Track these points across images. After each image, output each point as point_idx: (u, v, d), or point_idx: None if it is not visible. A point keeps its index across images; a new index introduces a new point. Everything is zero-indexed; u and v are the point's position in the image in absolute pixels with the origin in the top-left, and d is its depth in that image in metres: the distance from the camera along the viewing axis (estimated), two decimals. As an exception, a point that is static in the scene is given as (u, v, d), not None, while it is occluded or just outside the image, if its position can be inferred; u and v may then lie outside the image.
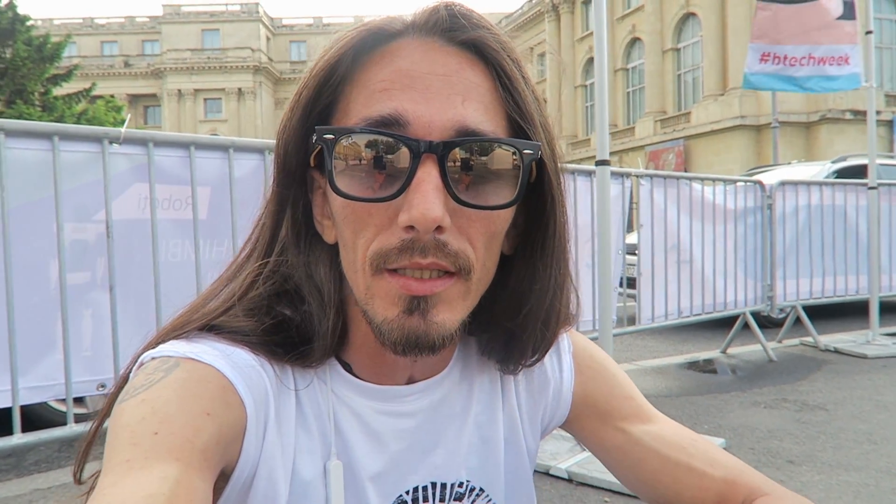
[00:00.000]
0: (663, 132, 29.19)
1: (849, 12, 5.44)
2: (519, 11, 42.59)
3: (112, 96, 31.80)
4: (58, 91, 20.25)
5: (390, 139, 0.59)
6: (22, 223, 2.40)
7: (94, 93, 22.68)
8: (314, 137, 0.62)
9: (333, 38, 0.65)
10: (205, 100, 52.03)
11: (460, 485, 0.75)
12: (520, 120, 0.63)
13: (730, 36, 25.49)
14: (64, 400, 2.59)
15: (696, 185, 5.08)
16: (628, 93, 33.38)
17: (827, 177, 7.32)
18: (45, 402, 3.44)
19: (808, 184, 5.92)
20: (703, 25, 27.10)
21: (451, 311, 0.62)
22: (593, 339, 3.43)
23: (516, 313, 0.70)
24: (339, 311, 0.68)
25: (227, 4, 53.33)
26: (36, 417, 3.47)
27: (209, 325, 0.65)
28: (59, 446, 3.64)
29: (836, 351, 5.62)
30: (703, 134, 26.50)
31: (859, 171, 7.63)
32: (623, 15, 31.82)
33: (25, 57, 17.99)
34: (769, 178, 6.37)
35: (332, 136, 0.60)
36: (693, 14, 28.15)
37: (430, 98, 0.60)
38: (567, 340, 0.84)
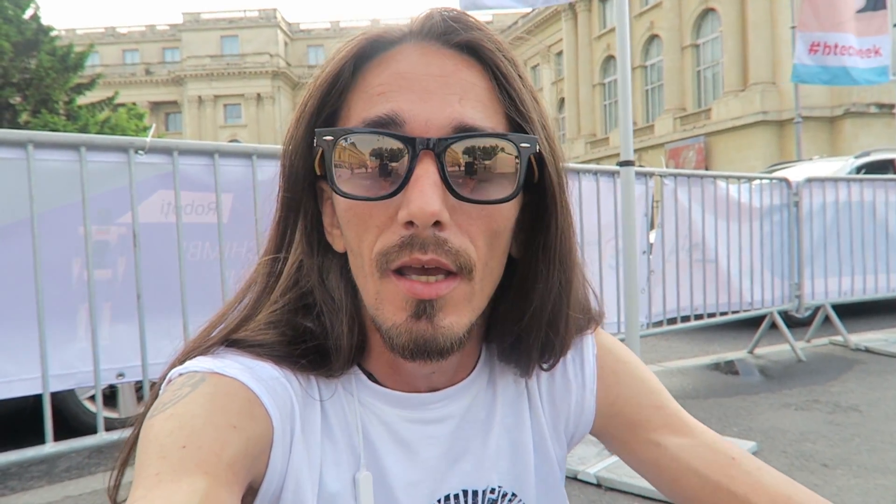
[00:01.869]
0: (683, 129, 28.92)
1: (876, 3, 5.32)
2: (535, 10, 42.45)
3: (134, 104, 32.19)
4: (81, 100, 20.53)
5: (388, 138, 0.60)
6: (48, 226, 2.50)
7: (117, 101, 22.98)
8: (315, 141, 0.63)
9: (335, 49, 0.67)
10: (224, 105, 52.57)
11: (492, 490, 0.74)
12: (517, 118, 0.64)
13: (750, 31, 25.19)
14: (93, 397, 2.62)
15: (721, 184, 5.01)
16: (647, 90, 33.13)
17: (850, 172, 7.16)
18: (80, 402, 3.65)
19: (836, 180, 5.81)
20: (723, 20, 26.81)
21: (458, 314, 0.62)
22: (621, 339, 3.40)
23: (521, 315, 0.70)
24: (355, 319, 0.68)
25: (245, 11, 53.88)
26: (71, 416, 3.58)
27: (232, 340, 0.66)
28: (89, 453, 3.69)
29: (868, 350, 5.51)
30: (723, 130, 26.22)
31: (884, 166, 7.48)
32: (641, 12, 31.57)
33: (49, 67, 18.27)
34: (792, 174, 6.26)
35: (330, 138, 0.61)
36: (712, 9, 27.86)
37: (428, 98, 0.61)
38: (591, 342, 0.82)
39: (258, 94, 52.09)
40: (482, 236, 0.62)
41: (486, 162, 0.61)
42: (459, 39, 0.64)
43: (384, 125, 0.60)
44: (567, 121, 39.13)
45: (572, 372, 0.80)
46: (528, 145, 0.61)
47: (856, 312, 6.61)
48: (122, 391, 3.89)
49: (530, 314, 0.69)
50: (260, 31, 53.43)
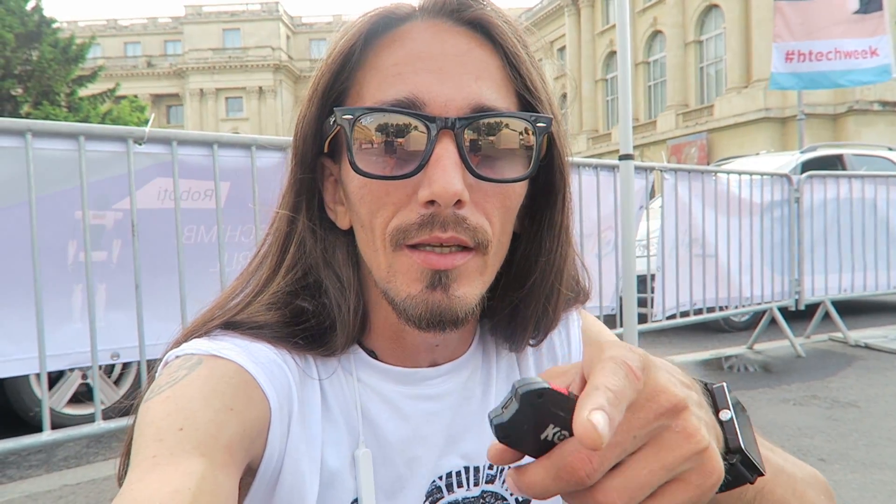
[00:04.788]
0: (685, 126, 28.86)
1: (872, 4, 5.33)
2: (539, 6, 42.34)
3: (136, 96, 32.23)
4: (83, 92, 20.52)
5: (408, 118, 0.60)
6: (45, 210, 2.50)
7: (119, 93, 22.96)
8: (332, 120, 0.63)
9: (344, 27, 0.66)
10: (226, 99, 52.53)
11: (490, 466, 0.75)
12: (528, 97, 0.65)
13: (753, 27, 25.12)
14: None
15: (722, 178, 5.00)
16: (649, 86, 33.05)
17: (794, 167, 7.02)
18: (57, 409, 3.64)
19: (837, 176, 5.80)
20: (726, 17, 26.73)
21: (471, 285, 0.63)
22: (618, 335, 3.40)
23: (521, 287, 0.71)
24: (359, 295, 0.69)
25: (247, 4, 53.73)
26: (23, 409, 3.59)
27: (230, 322, 0.66)
28: (87, 442, 3.70)
29: (867, 347, 5.51)
30: (726, 127, 26.16)
31: (831, 162, 7.45)
32: (644, 8, 31.48)
33: (51, 59, 18.25)
34: (735, 168, 6.21)
35: (350, 117, 0.61)
36: (716, 6, 27.77)
37: (444, 79, 0.61)
38: (576, 316, 0.84)
39: (260, 88, 52.04)
40: (497, 213, 0.63)
41: (503, 141, 0.62)
42: (470, 16, 0.64)
43: (404, 107, 0.60)
44: (569, 116, 38.95)
45: (559, 345, 0.82)
46: (543, 125, 0.62)
47: (854, 310, 6.60)
48: (99, 383, 3.91)
49: (530, 286, 0.70)
50: (262, 24, 53.33)
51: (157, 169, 2.76)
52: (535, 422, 0.39)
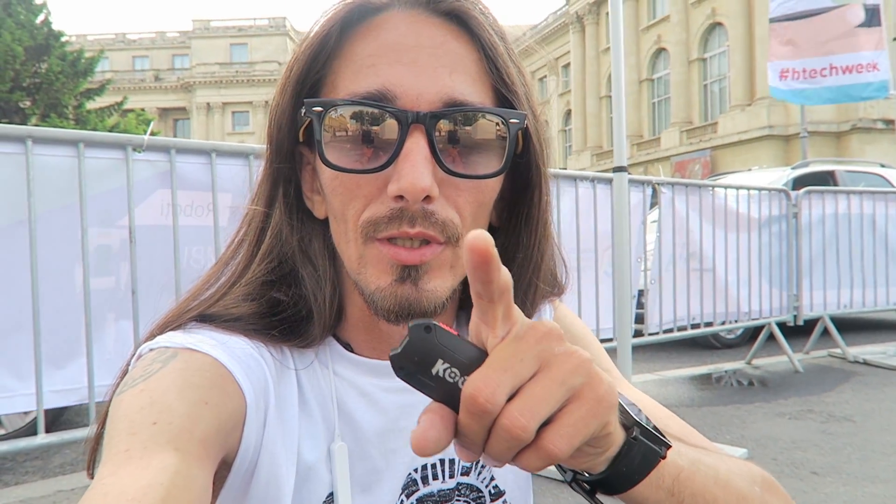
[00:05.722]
0: (689, 142, 28.92)
1: (873, 19, 5.37)
2: (544, 23, 42.63)
3: (143, 110, 32.44)
4: (90, 105, 20.68)
5: (378, 111, 0.60)
6: (49, 229, 2.45)
7: (126, 106, 23.14)
8: (303, 111, 0.63)
9: (320, 13, 0.66)
10: (232, 112, 52.81)
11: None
12: (505, 91, 0.64)
13: (757, 45, 25.22)
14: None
15: (720, 192, 5.03)
16: (654, 103, 33.18)
17: (786, 183, 6.99)
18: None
19: (836, 192, 5.82)
20: (730, 35, 26.87)
21: (442, 278, 0.63)
22: (610, 350, 3.40)
23: None
24: (335, 285, 0.69)
25: (254, 19, 54.19)
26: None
27: (205, 315, 0.65)
28: (84, 449, 3.70)
29: (865, 363, 5.50)
30: (730, 144, 26.21)
31: (822, 178, 7.45)
32: (648, 25, 31.69)
33: (59, 71, 18.43)
34: (728, 182, 6.21)
35: (320, 109, 0.60)
36: (720, 24, 27.94)
37: (418, 72, 0.61)
38: (549, 308, 0.83)
39: (266, 102, 52.04)
40: (469, 207, 0.63)
41: (475, 136, 0.61)
42: (447, 7, 0.63)
43: (375, 100, 0.60)
44: (573, 133, 39.21)
45: None
46: (516, 121, 0.62)
47: (854, 326, 6.59)
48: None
49: None
50: (269, 39, 53.75)
51: (158, 180, 2.72)
52: (424, 354, 0.41)
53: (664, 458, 0.52)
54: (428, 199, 0.59)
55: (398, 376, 0.42)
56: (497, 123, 0.62)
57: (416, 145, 0.59)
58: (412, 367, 0.42)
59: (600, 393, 0.44)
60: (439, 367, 0.42)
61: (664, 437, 0.52)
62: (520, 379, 0.42)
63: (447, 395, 0.42)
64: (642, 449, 0.50)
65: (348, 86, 0.62)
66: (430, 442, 0.41)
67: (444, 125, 0.60)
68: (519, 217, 0.70)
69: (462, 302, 0.74)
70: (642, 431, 0.50)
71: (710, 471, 0.60)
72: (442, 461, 0.74)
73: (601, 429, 0.46)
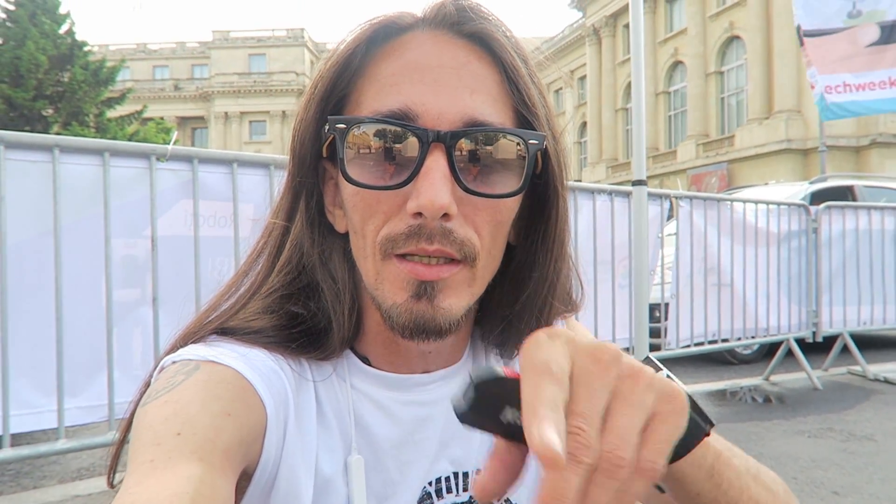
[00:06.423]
0: (706, 156, 28.78)
1: (890, 36, 5.36)
2: (560, 35, 42.71)
3: (162, 118, 32.86)
4: (111, 113, 21.02)
5: (400, 129, 0.61)
6: (74, 239, 2.47)
7: (145, 115, 23.48)
8: (327, 127, 0.64)
9: (347, 32, 0.67)
10: (250, 122, 53.29)
11: (478, 472, 0.75)
12: (525, 112, 0.65)
13: (775, 59, 25.12)
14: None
15: (738, 206, 4.99)
16: (670, 116, 33.07)
17: (803, 198, 6.91)
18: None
19: (856, 207, 5.76)
20: (748, 48, 26.76)
21: (458, 296, 0.63)
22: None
23: (514, 300, 0.71)
24: (354, 297, 0.69)
25: (273, 30, 54.75)
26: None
27: (225, 328, 0.66)
28: (102, 454, 3.73)
29: (886, 381, 5.42)
30: (747, 158, 26.04)
31: (841, 193, 7.35)
32: (665, 38, 31.65)
33: (82, 80, 18.77)
34: (744, 196, 6.12)
35: (344, 126, 0.62)
36: (737, 37, 27.84)
37: (439, 91, 0.62)
38: (561, 323, 0.83)
39: (283, 112, 52.75)
40: (487, 226, 0.63)
41: (495, 156, 0.62)
42: (471, 29, 0.64)
43: (397, 118, 0.61)
44: (589, 145, 39.18)
45: None
46: (536, 142, 0.63)
47: (875, 343, 6.50)
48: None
49: (524, 299, 0.71)
50: (287, 49, 54.27)
51: (181, 189, 2.74)
52: (492, 407, 0.41)
53: (708, 434, 0.50)
54: (446, 216, 0.60)
55: (461, 423, 0.42)
56: (517, 144, 0.63)
57: (436, 163, 0.60)
58: (478, 420, 0.41)
59: (677, 406, 0.42)
60: (508, 413, 0.41)
61: (706, 413, 0.51)
62: (598, 414, 0.40)
63: (516, 437, 0.41)
64: (689, 423, 0.49)
65: (371, 104, 0.63)
66: (489, 494, 0.40)
67: (464, 144, 0.61)
68: (536, 235, 0.70)
69: (478, 320, 0.75)
70: (692, 405, 0.48)
71: (742, 460, 0.62)
72: (455, 474, 0.74)
73: None
